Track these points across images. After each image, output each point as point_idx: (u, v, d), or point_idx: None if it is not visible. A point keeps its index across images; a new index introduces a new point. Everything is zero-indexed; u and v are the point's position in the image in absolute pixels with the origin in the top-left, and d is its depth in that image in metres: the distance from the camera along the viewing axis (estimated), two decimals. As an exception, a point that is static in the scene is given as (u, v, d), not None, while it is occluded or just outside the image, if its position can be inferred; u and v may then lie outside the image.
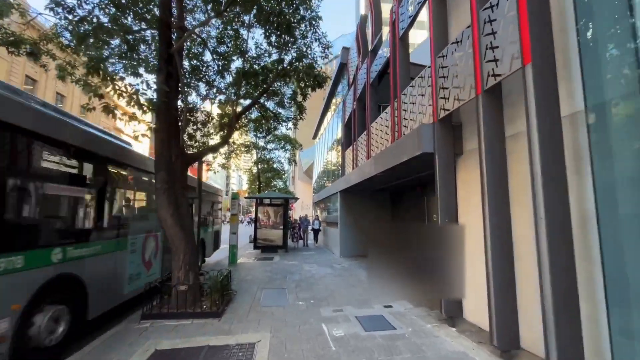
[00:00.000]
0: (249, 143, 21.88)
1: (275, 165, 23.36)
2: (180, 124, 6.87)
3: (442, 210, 5.17)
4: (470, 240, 4.83)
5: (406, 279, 4.98)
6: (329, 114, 20.16)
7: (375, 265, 8.94)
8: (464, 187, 5.32)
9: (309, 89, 9.22)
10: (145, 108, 6.18)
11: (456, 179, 5.43)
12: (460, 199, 5.33)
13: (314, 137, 27.35)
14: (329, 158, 18.41)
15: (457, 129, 5.45)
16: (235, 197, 11.68)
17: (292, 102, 10.27)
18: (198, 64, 8.92)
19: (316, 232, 16.44)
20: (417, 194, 10.42)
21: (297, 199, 15.86)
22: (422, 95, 6.07)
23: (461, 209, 5.29)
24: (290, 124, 11.37)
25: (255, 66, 8.79)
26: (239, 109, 8.66)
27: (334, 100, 18.22)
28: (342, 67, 14.97)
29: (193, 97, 9.59)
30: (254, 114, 13.91)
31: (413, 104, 6.48)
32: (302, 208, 50.74)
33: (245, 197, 16.06)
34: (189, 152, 8.35)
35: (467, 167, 5.29)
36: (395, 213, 12.88)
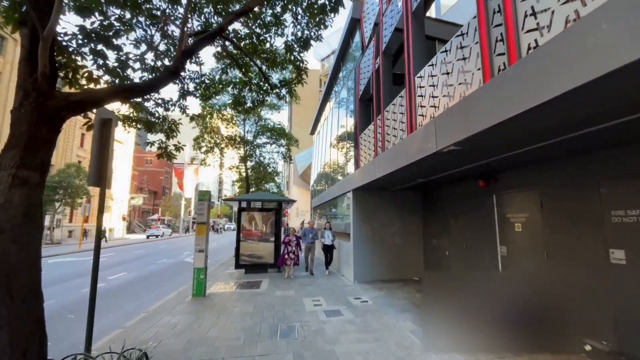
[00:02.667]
0: (234, 136, 18.27)
1: (267, 160, 19.67)
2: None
3: None
4: None
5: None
6: (328, 105, 16.68)
7: (434, 308, 5.56)
8: None
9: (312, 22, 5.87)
10: None
11: None
12: None
13: (312, 132, 23.81)
14: (332, 152, 14.81)
15: None
16: (203, 197, 8.00)
17: (289, 53, 6.83)
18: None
19: (328, 250, 10.35)
20: (477, 191, 6.89)
21: (293, 201, 12.14)
22: None
23: None
24: (284, 92, 7.79)
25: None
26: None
27: (340, 78, 14.69)
28: (353, 28, 11.48)
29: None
30: (232, 75, 10.38)
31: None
32: (298, 215, 47.06)
33: (224, 200, 12.19)
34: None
35: None
36: (431, 220, 9.29)
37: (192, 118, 18.35)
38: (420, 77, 5.40)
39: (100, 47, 5.21)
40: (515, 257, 5.85)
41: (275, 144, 19.07)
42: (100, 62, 5.14)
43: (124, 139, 47.28)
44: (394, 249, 9.39)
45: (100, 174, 3.61)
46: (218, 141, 17.52)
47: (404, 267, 9.35)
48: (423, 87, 5.30)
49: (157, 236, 36.76)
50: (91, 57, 5.09)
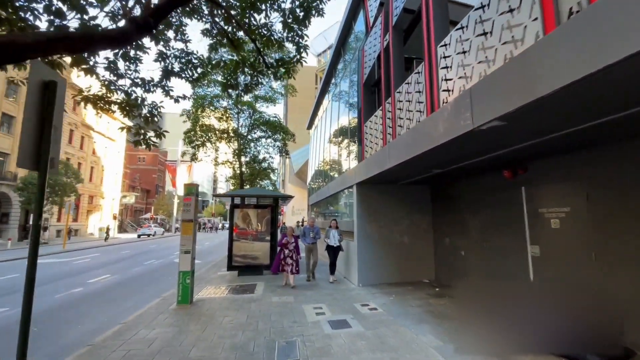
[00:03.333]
0: (227, 129, 17.32)
1: (262, 155, 18.70)
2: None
3: None
4: None
5: None
6: (326, 97, 15.80)
7: (467, 322, 4.83)
8: None
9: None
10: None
11: None
12: None
13: (309, 127, 22.91)
14: (331, 146, 13.93)
15: None
16: (190, 191, 7.07)
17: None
18: None
19: (334, 253, 8.67)
20: (500, 183, 6.06)
21: (290, 197, 11.23)
22: None
23: None
24: (281, 72, 6.89)
25: None
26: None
27: (339, 66, 13.81)
28: (355, 8, 10.56)
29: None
30: (223, 54, 9.48)
31: None
32: (294, 213, 46.09)
33: (215, 196, 11.22)
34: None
35: None
36: (442, 217, 8.45)
37: (182, 113, 17.15)
38: (445, 45, 4.54)
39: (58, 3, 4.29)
40: (551, 258, 5.03)
41: (271, 138, 18.12)
42: (58, 22, 4.23)
43: (115, 136, 46.01)
44: (402, 249, 8.54)
45: (37, 154, 2.68)
46: (210, 135, 16.53)
47: (413, 269, 8.51)
48: (448, 56, 4.44)
49: (148, 235, 35.59)
50: (46, 16, 4.16)
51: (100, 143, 42.92)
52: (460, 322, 5.26)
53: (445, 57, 4.56)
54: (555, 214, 4.97)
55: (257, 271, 10.14)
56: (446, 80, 4.51)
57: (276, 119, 18.16)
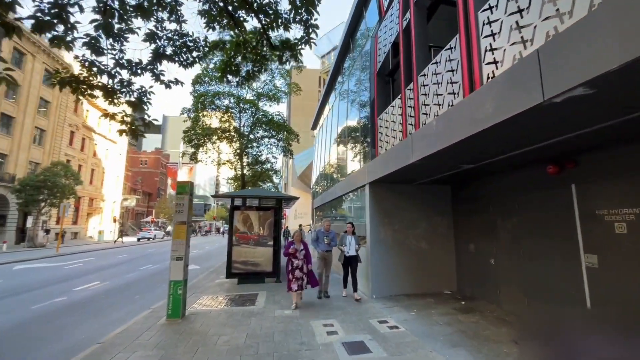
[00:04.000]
0: (228, 128, 16.57)
1: (264, 156, 17.91)
2: None
3: None
4: None
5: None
6: (332, 95, 15.03)
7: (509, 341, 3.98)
8: None
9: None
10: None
11: None
12: None
13: (313, 127, 22.12)
14: (339, 144, 13.11)
15: None
16: (183, 189, 6.23)
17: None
18: None
19: (350, 263, 7.21)
20: (543, 180, 5.19)
21: (295, 198, 10.34)
22: None
23: None
24: (287, 56, 6.08)
25: None
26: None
27: (349, 57, 13.02)
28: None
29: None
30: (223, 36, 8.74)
31: None
32: (296, 217, 45.17)
33: (214, 197, 10.37)
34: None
35: None
36: (466, 220, 7.57)
37: (182, 111, 16.40)
38: (490, 8, 3.71)
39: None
40: (615, 269, 4.14)
41: (274, 137, 17.33)
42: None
43: (117, 139, 45.47)
44: (419, 256, 7.66)
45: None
46: (210, 135, 15.77)
47: (432, 278, 7.62)
48: (495, 20, 3.61)
49: (148, 239, 34.80)
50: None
51: (102, 145, 42.42)
52: (505, 346, 4.36)
53: (490, 23, 3.73)
54: (620, 217, 4.09)
55: (259, 279, 9.28)
56: (492, 50, 3.67)
57: (280, 117, 17.38)
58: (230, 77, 6.69)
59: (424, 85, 5.39)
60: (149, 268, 13.77)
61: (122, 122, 5.42)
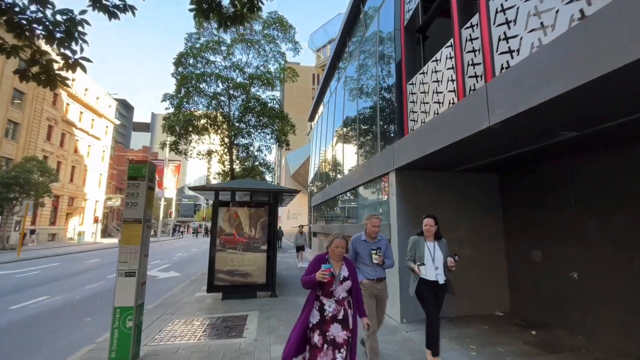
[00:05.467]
0: (215, 114, 14.59)
1: (256, 151, 15.92)
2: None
3: None
4: None
5: None
6: (334, 79, 13.17)
7: None
8: None
9: None
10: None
11: None
12: None
13: (310, 118, 20.24)
14: (347, 127, 11.21)
15: None
16: (137, 172, 4.25)
17: None
18: None
19: (439, 296, 3.82)
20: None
21: (295, 191, 8.34)
22: None
23: None
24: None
25: None
26: None
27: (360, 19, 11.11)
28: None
29: None
30: None
31: None
32: (289, 217, 43.11)
33: (192, 189, 8.31)
34: None
35: None
36: (523, 219, 5.72)
37: (163, 98, 14.23)
38: None
39: None
40: None
41: (268, 127, 15.35)
42: None
43: (101, 135, 42.89)
44: (463, 266, 5.80)
45: None
46: (194, 120, 13.73)
47: (478, 295, 5.78)
48: None
49: (131, 241, 32.29)
50: None
51: (84, 141, 39.74)
52: None
53: None
54: None
55: (249, 293, 7.36)
56: None
57: (274, 101, 15.39)
58: (210, 20, 4.67)
59: (504, 9, 3.53)
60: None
61: (33, 60, 3.46)
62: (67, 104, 36.76)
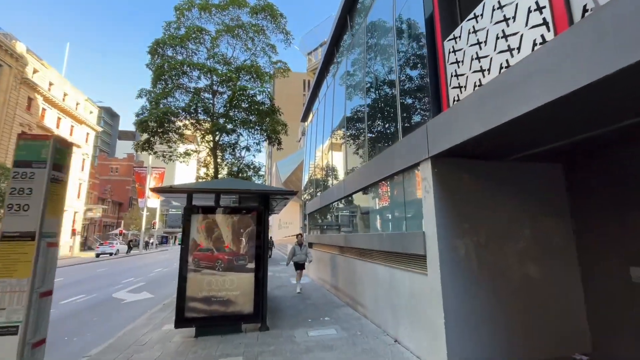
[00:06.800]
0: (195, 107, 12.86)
1: (244, 152, 14.17)
2: None
3: None
4: None
5: None
6: (332, 67, 11.66)
7: None
8: None
9: None
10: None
11: None
12: None
13: (303, 118, 18.66)
14: (354, 112, 9.57)
15: None
16: (31, 153, 2.56)
17: None
18: None
19: None
20: None
21: (292, 193, 6.51)
22: None
23: None
24: None
25: None
26: None
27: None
28: None
29: None
30: None
31: None
32: (280, 227, 41.13)
33: (153, 190, 6.44)
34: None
35: None
36: (611, 222, 4.15)
37: (139, 94, 12.34)
38: None
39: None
40: None
41: (258, 125, 13.65)
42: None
43: (82, 142, 40.45)
44: (526, 290, 4.19)
45: None
46: (171, 114, 11.94)
47: (546, 328, 4.15)
48: None
49: (110, 254, 29.90)
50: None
51: (60, 148, 37.20)
52: None
53: None
54: None
55: (231, 326, 5.59)
56: None
57: (264, 96, 13.69)
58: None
59: None
60: (75, 301, 9.70)
61: None
62: (44, 109, 34.50)
